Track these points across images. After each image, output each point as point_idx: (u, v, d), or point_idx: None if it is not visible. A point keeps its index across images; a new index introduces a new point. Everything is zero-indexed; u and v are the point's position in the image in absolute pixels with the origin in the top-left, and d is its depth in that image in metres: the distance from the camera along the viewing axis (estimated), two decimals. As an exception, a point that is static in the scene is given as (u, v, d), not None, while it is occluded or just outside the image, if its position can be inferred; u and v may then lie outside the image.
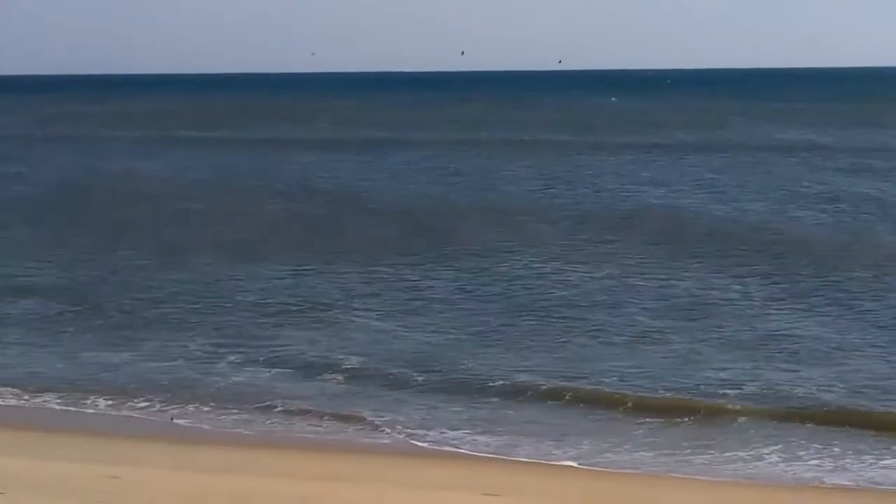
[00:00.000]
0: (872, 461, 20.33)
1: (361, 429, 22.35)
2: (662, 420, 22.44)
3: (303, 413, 23.26)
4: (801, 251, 38.91)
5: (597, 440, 21.51)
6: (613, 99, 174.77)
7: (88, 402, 24.24)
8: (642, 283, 34.48)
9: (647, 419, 22.49)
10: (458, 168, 69.52)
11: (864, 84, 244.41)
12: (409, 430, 22.09)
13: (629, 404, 23.07)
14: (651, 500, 18.20)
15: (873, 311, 30.32)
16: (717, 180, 61.09)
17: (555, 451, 20.91)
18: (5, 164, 74.54)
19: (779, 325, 29.10)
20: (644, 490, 18.80)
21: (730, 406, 22.88)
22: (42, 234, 45.53)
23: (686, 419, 22.38)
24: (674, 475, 19.70)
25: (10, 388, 25.04)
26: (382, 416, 22.83)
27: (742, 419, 22.32)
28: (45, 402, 24.30)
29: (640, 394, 23.72)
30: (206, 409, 23.61)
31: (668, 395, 23.66)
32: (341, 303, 32.61)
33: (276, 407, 23.57)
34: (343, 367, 26.15)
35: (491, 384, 24.60)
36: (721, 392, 23.71)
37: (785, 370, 25.22)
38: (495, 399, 23.80)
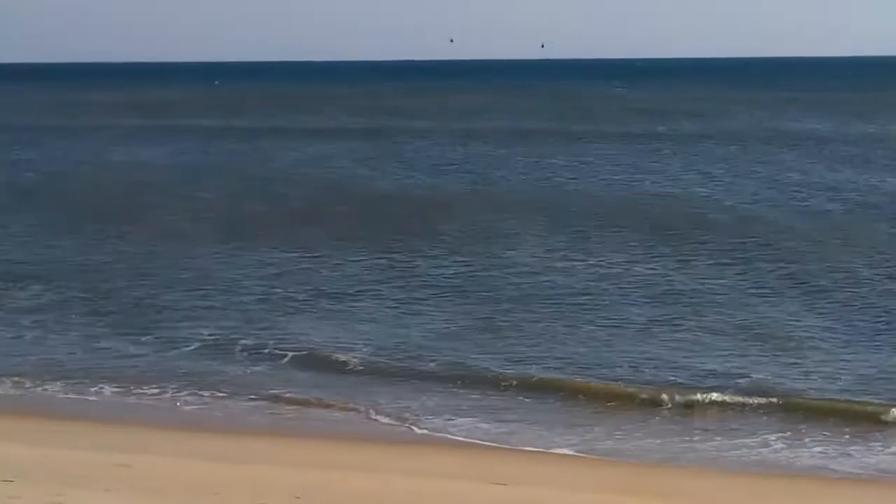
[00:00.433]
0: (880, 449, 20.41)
1: (368, 418, 22.41)
2: (668, 409, 22.51)
3: (310, 402, 23.32)
4: (804, 242, 38.95)
5: (604, 429, 21.60)
6: (617, 87, 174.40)
7: (98, 389, 24.31)
8: (647, 272, 34.51)
9: (653, 408, 22.55)
10: (463, 157, 69.41)
11: (861, 73, 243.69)
12: (416, 420, 22.16)
13: (635, 394, 23.11)
14: (658, 487, 18.24)
15: (871, 302, 30.37)
16: (726, 170, 61.12)
17: (562, 441, 20.99)
18: (9, 153, 74.56)
19: (780, 315, 29.17)
20: (651, 478, 18.86)
21: (734, 396, 22.93)
22: (50, 222, 45.55)
23: (692, 408, 22.46)
24: (680, 463, 19.79)
25: (20, 377, 25.09)
26: (389, 406, 22.91)
27: (747, 408, 22.38)
28: (54, 390, 24.36)
29: (645, 383, 23.78)
30: (216, 397, 23.68)
31: (672, 384, 23.72)
32: (349, 292, 32.66)
33: (284, 396, 23.63)
34: (350, 356, 26.19)
35: (498, 374, 24.67)
36: (726, 382, 23.77)
37: (787, 362, 25.31)
38: (502, 388, 23.84)
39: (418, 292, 32.45)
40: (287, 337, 27.88)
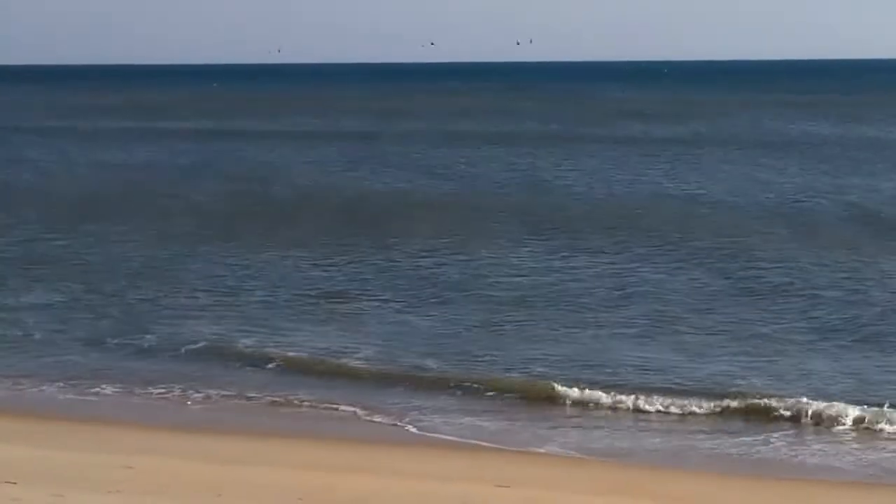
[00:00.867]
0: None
1: (370, 420, 22.41)
2: (670, 411, 22.51)
3: (312, 404, 23.32)
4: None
5: (606, 431, 21.65)
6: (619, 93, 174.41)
7: (99, 390, 24.31)
8: (649, 274, 34.54)
9: (656, 410, 22.55)
10: (462, 160, 69.37)
11: (859, 76, 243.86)
12: (419, 421, 22.16)
13: (638, 395, 23.08)
14: (658, 489, 18.25)
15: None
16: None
17: (565, 442, 21.01)
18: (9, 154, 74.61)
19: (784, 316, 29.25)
20: (652, 480, 18.87)
21: (733, 394, 22.93)
22: (52, 222, 45.56)
23: (695, 410, 22.45)
24: (680, 465, 19.80)
25: (21, 377, 25.10)
26: (392, 408, 22.92)
27: (745, 407, 22.37)
28: (55, 390, 24.34)
29: (648, 385, 23.77)
30: (218, 399, 23.69)
31: (676, 385, 23.73)
32: (349, 293, 32.66)
33: (285, 397, 23.64)
34: (352, 357, 26.22)
35: (502, 375, 24.66)
36: (728, 383, 23.81)
37: (788, 361, 25.37)
38: (504, 390, 23.80)
39: (418, 293, 32.44)
40: (288, 338, 27.89)
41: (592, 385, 23.70)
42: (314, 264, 36.92)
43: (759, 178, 57.57)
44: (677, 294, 31.72)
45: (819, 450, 20.65)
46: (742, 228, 42.40)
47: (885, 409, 21.76)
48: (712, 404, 22.56)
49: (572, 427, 21.94)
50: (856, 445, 20.91)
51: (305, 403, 23.33)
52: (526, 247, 39.38)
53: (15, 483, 15.88)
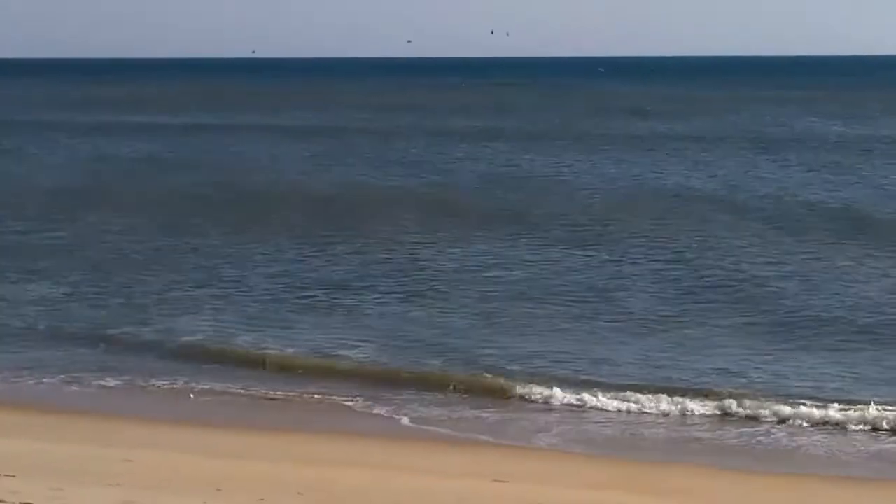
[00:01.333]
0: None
1: (370, 415, 22.45)
2: (668, 407, 22.53)
3: (311, 399, 23.36)
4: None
5: (605, 426, 21.71)
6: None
7: (99, 384, 24.33)
8: (643, 268, 34.58)
9: (654, 406, 22.57)
10: (451, 154, 69.25)
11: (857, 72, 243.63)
12: (418, 416, 22.21)
13: (636, 392, 23.11)
14: (658, 484, 18.29)
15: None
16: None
17: (563, 438, 21.05)
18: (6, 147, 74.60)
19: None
20: (651, 474, 18.93)
21: (732, 390, 22.96)
22: (52, 215, 45.58)
23: (692, 407, 22.46)
24: (679, 459, 19.84)
25: (22, 370, 25.13)
26: (391, 403, 22.97)
27: (743, 404, 22.39)
28: (57, 383, 24.39)
29: (647, 382, 23.80)
30: (217, 393, 23.73)
31: (675, 382, 23.77)
32: (352, 286, 32.71)
33: (288, 392, 23.68)
34: (351, 352, 26.27)
35: (500, 370, 24.65)
36: (726, 379, 23.87)
37: (788, 357, 25.44)
38: (504, 386, 23.75)
39: (421, 287, 32.46)
40: (286, 333, 27.91)
41: (591, 381, 23.76)
42: (313, 258, 36.94)
43: (750, 174, 57.48)
44: (678, 293, 31.70)
45: (816, 444, 20.71)
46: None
47: (879, 405, 21.80)
48: (710, 400, 22.57)
49: (571, 422, 21.98)
50: (854, 440, 20.97)
51: (304, 398, 23.37)
52: (521, 241, 39.37)
53: (14, 476, 15.88)
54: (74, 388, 24.16)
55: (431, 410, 22.55)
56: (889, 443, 20.90)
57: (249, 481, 16.78)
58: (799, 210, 45.77)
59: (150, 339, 27.55)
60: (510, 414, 22.44)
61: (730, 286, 32.21)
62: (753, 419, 21.85)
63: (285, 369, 25.22)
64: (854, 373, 24.45)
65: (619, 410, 22.49)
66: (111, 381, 24.42)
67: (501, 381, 23.92)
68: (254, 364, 25.56)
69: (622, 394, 22.99)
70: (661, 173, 58.14)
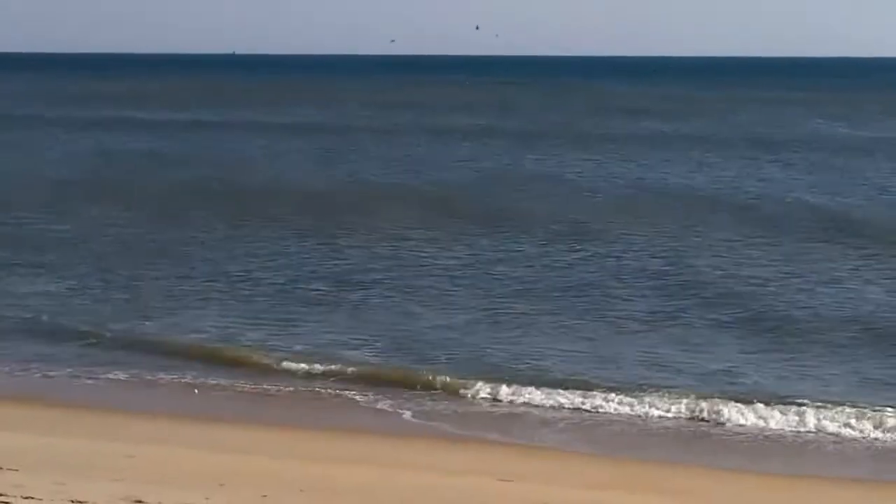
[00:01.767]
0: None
1: (373, 412, 22.47)
2: (675, 406, 22.54)
3: (314, 395, 23.39)
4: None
5: (610, 426, 21.72)
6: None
7: (103, 378, 24.35)
8: (643, 268, 34.59)
9: (660, 406, 22.58)
10: (454, 152, 69.28)
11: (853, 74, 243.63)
12: (422, 414, 22.22)
13: (642, 392, 23.11)
14: (661, 484, 18.32)
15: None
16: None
17: (568, 437, 21.08)
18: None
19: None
20: (655, 474, 18.95)
21: (734, 391, 23.00)
22: (54, 207, 45.60)
23: (694, 406, 22.46)
24: (683, 459, 19.89)
25: (27, 363, 25.15)
26: (394, 400, 22.97)
27: (747, 404, 22.42)
28: (59, 378, 24.39)
29: (653, 382, 23.80)
30: (220, 388, 23.75)
31: (676, 382, 23.78)
32: (356, 282, 32.72)
33: (289, 389, 23.72)
34: (359, 348, 26.29)
35: (504, 367, 24.69)
36: (728, 379, 23.90)
37: (787, 356, 25.47)
38: (509, 384, 23.73)
39: (426, 283, 32.48)
40: (290, 329, 27.93)
41: (595, 380, 23.76)
42: (316, 254, 36.97)
43: (750, 175, 57.50)
44: (678, 293, 31.71)
45: (817, 444, 20.74)
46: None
47: (880, 407, 21.85)
48: (713, 401, 22.57)
49: (576, 422, 21.98)
50: (854, 441, 21.00)
51: (308, 394, 23.40)
52: (524, 239, 39.40)
53: (17, 470, 15.90)
54: (79, 382, 24.15)
55: (435, 407, 22.59)
56: (889, 443, 20.92)
57: (253, 477, 16.80)
58: (799, 211, 45.75)
59: (156, 334, 27.52)
60: (514, 412, 22.46)
61: (730, 287, 32.20)
62: (755, 420, 21.85)
63: (288, 365, 25.21)
64: (856, 374, 24.48)
65: (623, 410, 22.49)
66: (115, 376, 24.42)
67: (504, 378, 23.94)
68: (258, 360, 25.57)
69: (625, 394, 22.98)
70: (662, 173, 58.13)
